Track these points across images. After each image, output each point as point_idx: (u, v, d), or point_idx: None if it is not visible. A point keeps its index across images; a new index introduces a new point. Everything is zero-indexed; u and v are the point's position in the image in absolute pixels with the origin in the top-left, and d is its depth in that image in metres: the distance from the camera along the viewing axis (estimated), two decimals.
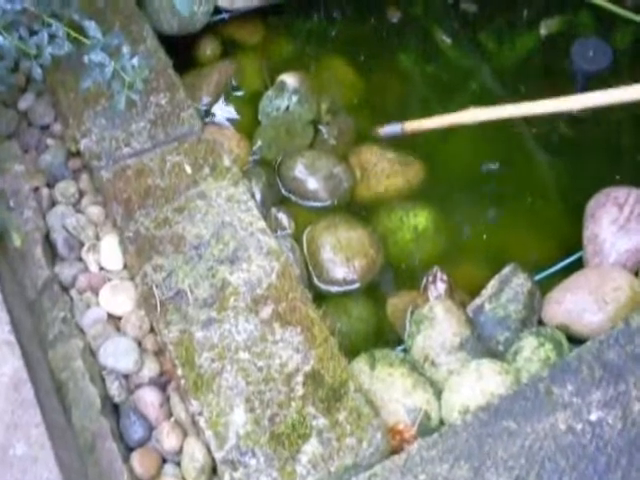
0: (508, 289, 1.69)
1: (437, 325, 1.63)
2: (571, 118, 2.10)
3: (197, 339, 1.51)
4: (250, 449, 1.39)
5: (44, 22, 1.60)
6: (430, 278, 1.78)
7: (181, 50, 2.12)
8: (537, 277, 1.76)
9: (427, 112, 2.12)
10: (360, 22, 2.35)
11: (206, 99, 2.13)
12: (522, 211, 1.94)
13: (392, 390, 1.54)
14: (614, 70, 2.05)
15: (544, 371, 1.46)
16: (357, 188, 1.97)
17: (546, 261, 1.82)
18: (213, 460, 1.42)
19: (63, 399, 1.50)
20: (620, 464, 1.34)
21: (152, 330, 1.60)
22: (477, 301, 1.70)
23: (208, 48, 2.25)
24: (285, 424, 1.41)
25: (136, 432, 1.49)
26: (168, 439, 1.47)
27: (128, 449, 1.49)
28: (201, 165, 1.77)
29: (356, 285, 1.81)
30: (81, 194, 1.84)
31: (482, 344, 1.63)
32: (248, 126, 2.07)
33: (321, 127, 2.06)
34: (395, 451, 1.43)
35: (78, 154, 1.86)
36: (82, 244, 1.74)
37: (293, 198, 1.95)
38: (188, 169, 1.76)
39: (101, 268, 1.71)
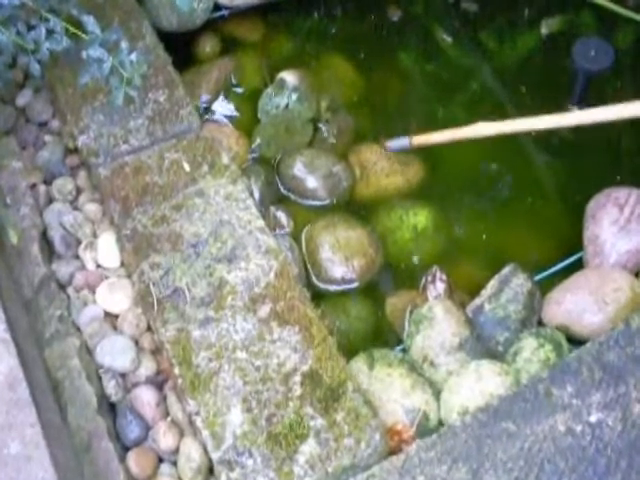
0: (508, 289, 1.68)
1: (436, 325, 1.62)
2: None
3: (194, 338, 1.50)
4: (247, 449, 1.38)
5: (42, 17, 1.58)
6: (429, 278, 1.77)
7: (180, 47, 2.11)
8: (537, 277, 1.75)
9: (427, 111, 2.12)
10: (360, 20, 2.34)
11: (205, 96, 2.11)
12: (522, 211, 1.93)
13: (391, 390, 1.53)
14: (616, 70, 2.04)
15: (544, 372, 1.45)
16: (356, 187, 1.97)
17: (546, 261, 1.81)
18: (210, 460, 1.41)
19: (59, 398, 1.49)
20: (620, 466, 1.33)
21: (149, 329, 1.59)
22: (477, 301, 1.69)
23: (208, 45, 2.24)
24: (282, 424, 1.40)
25: (132, 431, 1.48)
26: (165, 439, 1.46)
27: (124, 449, 1.48)
28: (199, 163, 1.76)
29: (355, 284, 1.80)
30: (79, 191, 1.83)
31: (481, 344, 1.62)
32: (247, 124, 2.06)
33: (321, 125, 2.05)
34: (393, 452, 1.43)
35: (76, 151, 1.85)
36: (79, 242, 1.73)
37: (292, 197, 1.94)
38: (186, 167, 1.75)
39: (98, 266, 1.70)
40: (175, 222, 1.66)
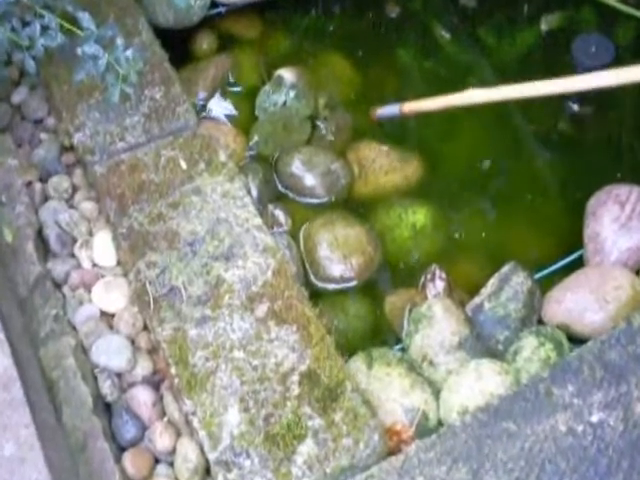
0: (508, 288, 1.67)
1: (436, 324, 1.61)
2: (572, 115, 2.09)
3: (191, 337, 1.49)
4: (244, 450, 1.37)
5: (37, 13, 1.57)
6: (429, 276, 1.76)
7: (177, 44, 2.10)
8: (537, 276, 1.74)
9: None
10: (358, 17, 2.33)
11: (202, 94, 2.10)
12: (522, 208, 1.92)
13: (390, 390, 1.52)
14: (616, 66, 2.02)
15: (544, 371, 1.44)
16: (355, 185, 1.95)
17: (546, 259, 1.80)
18: (207, 461, 1.40)
19: (54, 398, 1.47)
20: (621, 466, 1.32)
21: (145, 328, 1.58)
22: (476, 300, 1.68)
23: (205, 42, 2.22)
24: (280, 424, 1.39)
25: (128, 432, 1.47)
26: (161, 439, 1.45)
27: (120, 449, 1.46)
28: (196, 160, 1.75)
29: (353, 283, 1.78)
30: (74, 189, 1.81)
31: (481, 343, 1.61)
32: (245, 121, 2.05)
33: (319, 123, 2.04)
34: (392, 452, 1.41)
35: (72, 148, 1.83)
36: (75, 240, 1.72)
37: (290, 194, 1.93)
38: (183, 164, 1.74)
39: (94, 264, 1.69)
40: (172, 220, 1.65)
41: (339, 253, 1.79)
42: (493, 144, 2.01)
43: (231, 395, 1.42)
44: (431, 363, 1.57)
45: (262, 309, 1.52)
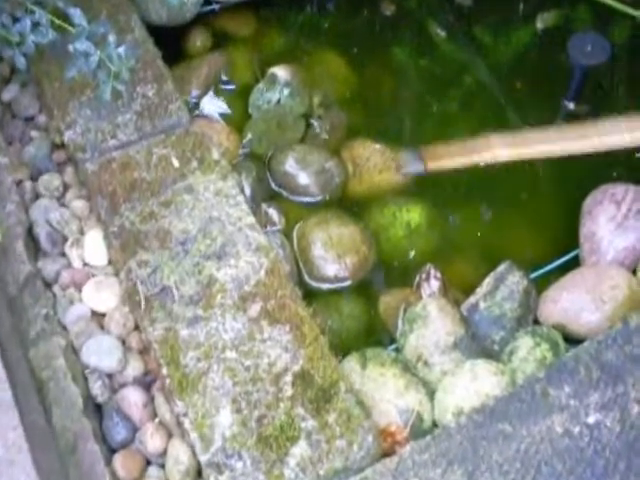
0: (503, 287, 1.65)
1: (430, 324, 1.59)
2: (567, 114, 2.07)
3: (182, 337, 1.47)
4: (236, 452, 1.35)
5: (27, 9, 1.55)
6: (423, 275, 1.74)
7: (171, 41, 2.08)
8: (533, 275, 1.73)
9: (421, 106, 2.09)
10: (353, 15, 2.32)
11: (196, 91, 2.08)
12: (518, 208, 1.91)
13: (384, 390, 1.51)
14: (612, 64, 2.02)
15: (540, 372, 1.43)
16: (349, 183, 1.94)
17: (542, 259, 1.79)
18: (198, 463, 1.38)
19: (44, 399, 1.46)
20: (618, 468, 1.31)
21: (137, 328, 1.56)
22: (471, 299, 1.66)
23: (198, 40, 2.21)
24: (273, 426, 1.37)
25: (119, 433, 1.45)
26: (152, 441, 1.43)
27: (111, 451, 1.45)
28: (189, 158, 1.73)
29: (347, 282, 1.77)
30: (66, 187, 1.79)
31: (477, 344, 1.59)
32: (238, 119, 2.03)
33: (313, 121, 2.03)
34: (387, 454, 1.40)
35: (63, 146, 1.81)
36: (66, 239, 1.70)
37: (284, 193, 1.92)
38: (175, 162, 1.72)
39: (85, 264, 1.67)
40: (163, 219, 1.63)
41: (333, 252, 1.77)
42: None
43: (223, 396, 1.40)
44: (426, 363, 1.56)
45: (255, 309, 1.50)
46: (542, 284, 1.71)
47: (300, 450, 1.35)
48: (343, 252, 1.77)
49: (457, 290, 1.73)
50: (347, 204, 1.91)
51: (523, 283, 1.66)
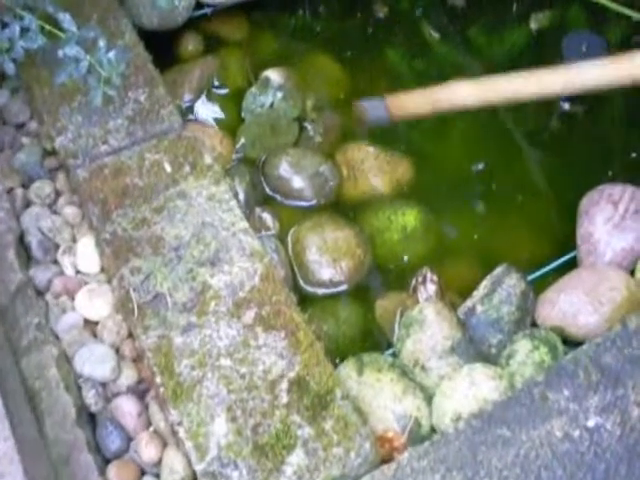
0: (500, 290, 1.64)
1: (427, 328, 1.58)
2: (563, 113, 2.06)
3: (176, 345, 1.45)
4: (232, 461, 1.33)
5: (16, 15, 1.54)
6: (419, 279, 1.73)
7: (162, 46, 2.07)
8: (530, 277, 1.71)
9: None
10: (346, 17, 2.31)
11: (188, 96, 2.07)
12: (514, 209, 1.90)
13: (381, 396, 1.49)
14: None
15: (539, 375, 1.41)
16: (344, 187, 1.93)
17: (539, 261, 1.77)
18: (194, 472, 1.36)
19: (35, 409, 1.43)
20: (619, 472, 1.29)
21: (130, 335, 1.54)
22: (468, 303, 1.65)
23: (190, 44, 2.20)
24: (269, 434, 1.35)
25: (113, 443, 1.43)
26: (146, 450, 1.41)
27: (105, 461, 1.43)
28: (181, 163, 1.71)
29: (343, 287, 1.75)
30: (57, 194, 1.78)
31: (474, 347, 1.58)
32: (231, 123, 2.02)
33: (306, 124, 2.01)
34: (384, 460, 1.38)
35: (54, 152, 1.79)
36: (58, 246, 1.68)
37: (278, 197, 1.90)
38: (168, 167, 1.70)
39: (77, 271, 1.65)
40: (156, 225, 1.61)
41: (328, 257, 1.76)
42: (483, 144, 1.99)
43: (218, 404, 1.39)
44: (423, 368, 1.54)
45: (249, 315, 1.49)
46: (539, 286, 1.69)
47: (297, 458, 1.33)
48: (338, 256, 1.76)
49: (454, 293, 1.72)
50: (342, 208, 1.89)
51: (520, 286, 1.65)
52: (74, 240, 1.69)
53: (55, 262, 1.67)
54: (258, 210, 1.82)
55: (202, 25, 2.22)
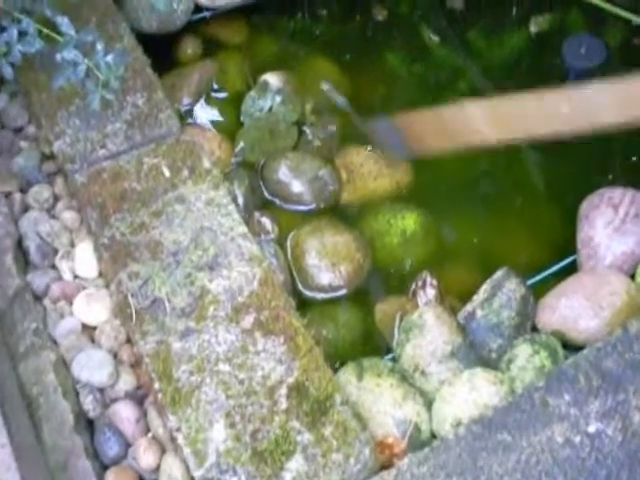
0: (500, 294, 1.63)
1: (427, 332, 1.57)
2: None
3: (175, 350, 1.44)
4: (231, 467, 1.32)
5: (14, 18, 1.53)
6: (419, 283, 1.72)
7: (161, 49, 2.07)
8: (530, 281, 1.70)
9: (414, 111, 2.07)
10: (345, 20, 2.31)
11: (187, 100, 2.07)
12: (514, 213, 1.89)
13: (380, 401, 1.48)
14: (607, 67, 2.00)
15: (539, 380, 1.40)
16: (343, 191, 1.92)
17: (539, 265, 1.76)
18: (192, 478, 1.35)
19: (33, 415, 1.43)
20: (620, 478, 1.29)
21: (128, 341, 1.53)
22: (468, 307, 1.64)
23: (189, 47, 2.20)
24: (268, 440, 1.34)
25: (111, 449, 1.42)
26: (145, 456, 1.40)
27: (103, 467, 1.42)
28: (180, 168, 1.70)
29: (342, 291, 1.74)
30: (56, 199, 1.77)
31: (474, 352, 1.57)
32: (230, 127, 2.02)
33: (305, 128, 2.01)
34: (384, 466, 1.37)
35: (52, 157, 1.79)
36: (56, 251, 1.68)
37: (277, 202, 1.89)
38: (166, 172, 1.69)
39: (75, 276, 1.65)
40: (154, 229, 1.60)
41: (327, 261, 1.75)
42: (483, 147, 1.98)
43: (217, 410, 1.38)
44: (423, 373, 1.53)
45: (248, 320, 1.48)
46: (540, 290, 1.68)
47: (296, 464, 1.32)
48: (338, 260, 1.75)
49: (454, 298, 1.71)
50: (341, 212, 1.89)
51: (520, 290, 1.64)
52: (72, 245, 1.68)
53: (53, 267, 1.66)
54: (257, 214, 1.81)
55: (201, 29, 2.22)
